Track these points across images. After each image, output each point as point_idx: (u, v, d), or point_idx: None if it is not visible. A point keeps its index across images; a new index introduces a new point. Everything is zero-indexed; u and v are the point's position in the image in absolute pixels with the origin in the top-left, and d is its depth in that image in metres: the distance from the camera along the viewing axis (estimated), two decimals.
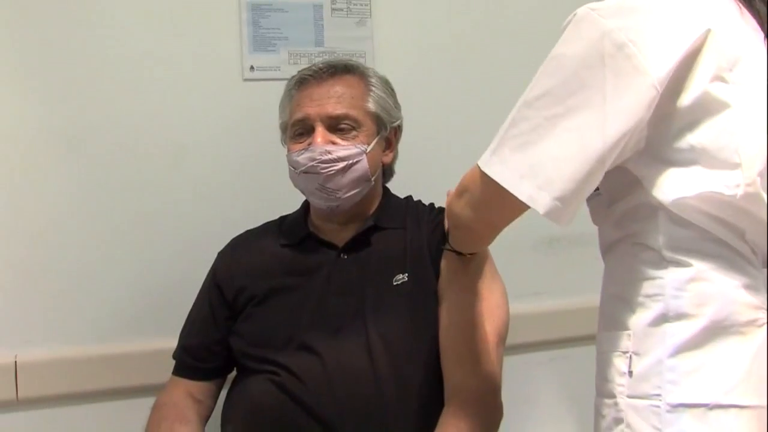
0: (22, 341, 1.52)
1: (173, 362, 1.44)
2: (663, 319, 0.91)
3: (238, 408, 1.34)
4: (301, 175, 1.35)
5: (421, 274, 1.33)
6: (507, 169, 0.93)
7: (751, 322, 0.88)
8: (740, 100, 0.88)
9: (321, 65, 1.41)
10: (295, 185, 1.40)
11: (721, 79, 0.88)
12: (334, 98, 1.37)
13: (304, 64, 1.65)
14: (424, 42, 1.76)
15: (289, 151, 1.38)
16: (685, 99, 0.88)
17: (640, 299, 0.93)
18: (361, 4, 1.71)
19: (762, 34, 0.94)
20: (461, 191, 1.04)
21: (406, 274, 1.34)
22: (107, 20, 1.58)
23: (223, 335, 1.39)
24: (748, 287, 0.89)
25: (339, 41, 1.69)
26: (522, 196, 0.92)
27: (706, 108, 0.88)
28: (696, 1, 0.93)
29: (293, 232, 1.43)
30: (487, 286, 1.32)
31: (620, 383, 0.93)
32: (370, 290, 1.33)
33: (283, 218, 1.49)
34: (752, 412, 0.86)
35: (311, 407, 1.26)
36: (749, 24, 0.94)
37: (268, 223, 1.49)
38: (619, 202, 0.97)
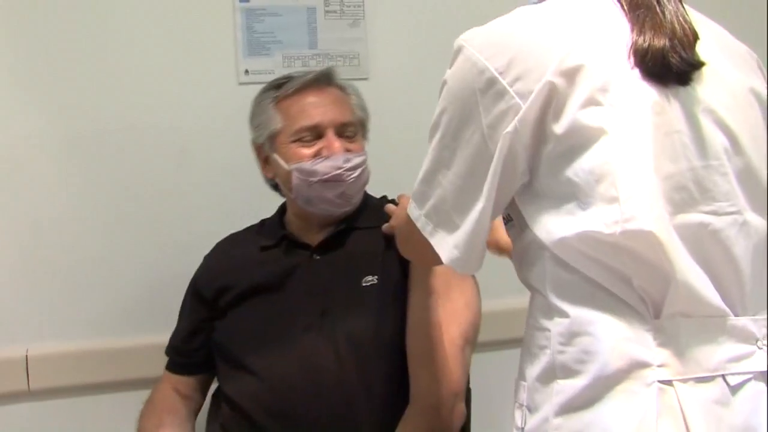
0: (33, 336, 1.61)
1: None
2: (551, 374, 0.85)
3: (217, 407, 1.40)
4: (320, 183, 1.35)
5: (391, 275, 1.35)
6: (422, 215, 0.92)
7: (639, 381, 0.80)
8: (616, 124, 0.80)
9: (308, 74, 1.42)
10: (301, 194, 1.37)
11: (595, 103, 0.81)
12: (337, 105, 1.40)
13: (298, 66, 1.68)
14: (417, 42, 1.76)
15: (294, 160, 1.36)
16: (557, 128, 0.82)
17: (535, 350, 0.88)
18: (355, 6, 1.73)
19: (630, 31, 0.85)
20: (398, 231, 1.04)
21: (376, 276, 1.35)
22: (106, 27, 1.63)
23: (204, 333, 1.45)
24: (635, 341, 0.81)
25: (332, 43, 1.71)
26: (435, 246, 0.91)
27: (579, 137, 0.81)
28: (564, 13, 0.87)
29: (271, 233, 1.47)
30: (456, 285, 1.31)
31: None
32: (339, 290, 1.35)
33: (263, 222, 1.53)
34: None
35: (278, 407, 1.30)
36: (623, 24, 0.86)
37: (249, 227, 1.53)
38: (516, 241, 0.93)
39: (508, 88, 0.83)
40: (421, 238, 0.94)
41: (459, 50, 0.89)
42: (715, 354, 0.82)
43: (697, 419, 0.79)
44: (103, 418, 1.64)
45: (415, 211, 0.94)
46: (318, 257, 1.41)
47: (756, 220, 0.86)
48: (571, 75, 0.82)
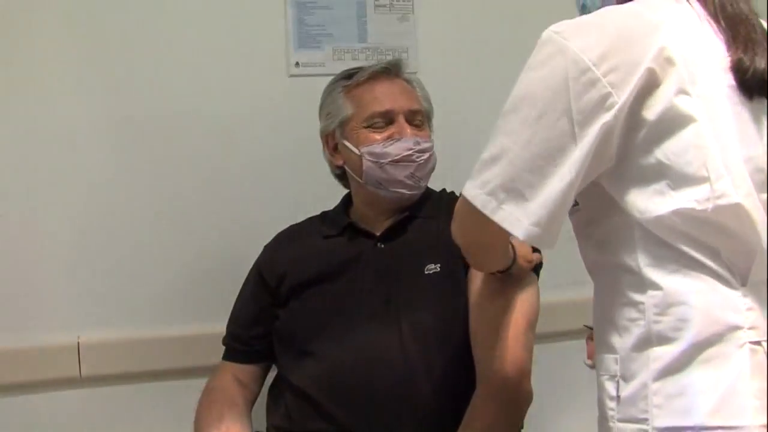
0: (85, 323, 1.62)
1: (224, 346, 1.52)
2: (646, 343, 0.91)
3: (280, 396, 1.41)
4: (391, 164, 1.39)
5: (451, 264, 1.36)
6: (484, 193, 0.94)
7: (732, 343, 0.88)
8: (705, 113, 0.89)
9: (379, 65, 1.47)
10: (372, 177, 1.40)
11: (685, 93, 0.88)
12: (406, 94, 1.45)
13: (347, 60, 1.70)
14: (466, 37, 1.78)
15: (365, 143, 1.40)
16: (650, 114, 0.89)
17: (625, 323, 0.93)
18: (404, 0, 1.74)
19: (721, 41, 0.93)
20: (454, 216, 1.05)
21: (438, 264, 1.38)
22: (161, 15, 1.66)
23: (267, 321, 1.46)
24: (726, 308, 0.89)
25: (382, 37, 1.73)
26: (502, 222, 0.93)
27: (671, 122, 0.89)
28: (654, 11, 0.93)
29: (335, 223, 1.49)
30: (517, 274, 1.33)
31: (611, 407, 0.93)
32: (403, 278, 1.38)
33: (324, 213, 1.55)
34: None
35: (344, 393, 1.32)
36: (708, 32, 0.94)
37: (311, 217, 1.55)
38: (598, 223, 0.97)
39: (601, 77, 0.88)
40: (479, 219, 0.95)
41: (548, 40, 0.93)
42: None
43: None
44: (154, 406, 1.65)
45: (474, 190, 0.96)
46: (382, 246, 1.43)
47: None
48: (666, 64, 0.89)
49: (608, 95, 0.88)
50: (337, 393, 1.32)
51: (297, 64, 1.70)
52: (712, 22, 0.94)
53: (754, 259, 0.89)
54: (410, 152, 1.39)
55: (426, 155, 1.41)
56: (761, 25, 0.95)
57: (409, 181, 1.40)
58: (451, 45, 1.78)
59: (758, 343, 0.88)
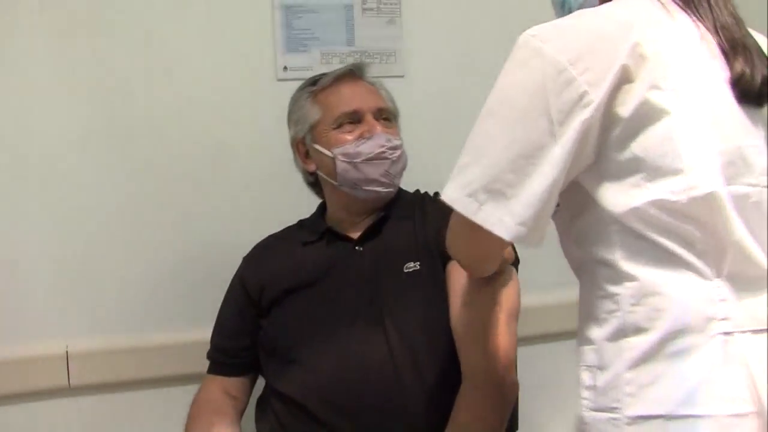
0: (73, 332, 1.61)
1: None
2: (621, 333, 0.92)
3: (269, 405, 1.41)
4: (365, 163, 1.39)
5: (430, 262, 1.37)
6: (464, 195, 0.94)
7: (705, 334, 0.89)
8: (678, 106, 0.90)
9: (342, 68, 1.48)
10: (347, 178, 1.41)
11: (657, 87, 0.90)
12: (372, 94, 1.46)
13: (335, 63, 1.70)
14: (454, 41, 1.78)
15: (337, 144, 1.41)
16: (625, 111, 0.90)
17: (603, 315, 0.95)
18: (392, 4, 1.74)
19: (696, 33, 0.95)
20: (448, 232, 1.06)
21: (418, 262, 1.38)
22: (147, 22, 1.64)
23: (251, 332, 1.46)
24: (700, 299, 0.90)
25: (369, 40, 1.73)
26: (484, 222, 0.93)
27: (645, 117, 0.90)
28: (628, 10, 0.95)
29: (313, 229, 1.49)
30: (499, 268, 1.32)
31: (585, 397, 0.95)
32: (384, 279, 1.38)
33: (301, 221, 1.55)
34: (710, 421, 0.87)
35: (332, 397, 1.32)
36: (679, 26, 0.95)
37: (288, 226, 1.55)
38: (577, 219, 0.99)
39: (577, 77, 0.90)
40: (471, 228, 0.94)
41: (524, 44, 0.94)
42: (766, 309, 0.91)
43: (758, 365, 0.88)
44: (143, 414, 1.64)
45: (453, 193, 0.95)
46: (360, 249, 1.43)
47: None
48: (639, 60, 0.90)
49: (585, 93, 0.89)
50: (326, 398, 1.32)
51: (285, 68, 1.70)
52: (698, 24, 0.96)
53: (727, 250, 0.91)
54: (383, 149, 1.40)
55: (398, 152, 1.42)
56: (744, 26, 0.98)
57: (384, 179, 1.41)
58: (439, 48, 1.78)
59: (731, 334, 0.89)
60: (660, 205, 0.90)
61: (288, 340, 1.39)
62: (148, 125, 1.65)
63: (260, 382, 1.51)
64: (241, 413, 1.49)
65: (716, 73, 0.94)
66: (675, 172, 0.90)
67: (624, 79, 0.90)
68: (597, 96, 0.89)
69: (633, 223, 0.92)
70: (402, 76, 1.74)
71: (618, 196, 0.92)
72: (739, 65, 0.94)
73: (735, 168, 0.92)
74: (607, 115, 0.91)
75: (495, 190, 0.92)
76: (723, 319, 0.90)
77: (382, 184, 1.41)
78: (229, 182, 1.69)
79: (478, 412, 1.27)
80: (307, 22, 1.70)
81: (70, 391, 1.59)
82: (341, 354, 1.33)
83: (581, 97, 0.89)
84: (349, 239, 1.44)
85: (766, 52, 0.97)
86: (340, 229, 1.46)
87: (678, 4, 0.97)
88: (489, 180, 0.92)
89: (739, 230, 0.91)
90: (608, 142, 0.92)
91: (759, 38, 1.00)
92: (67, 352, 1.59)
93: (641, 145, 0.90)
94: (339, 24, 1.72)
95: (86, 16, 1.61)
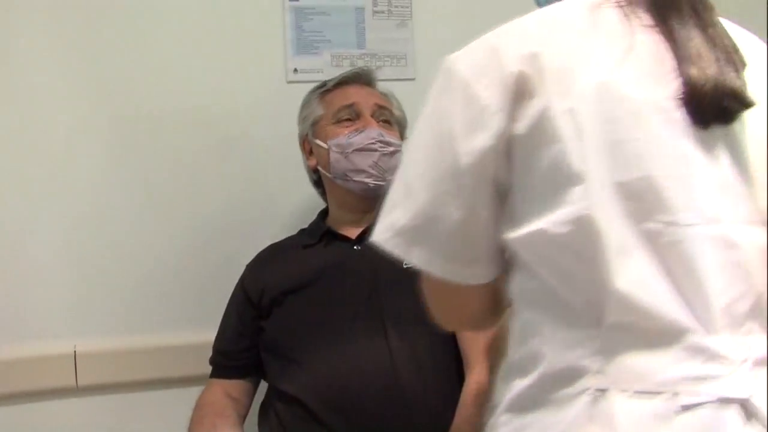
0: (82, 333, 1.61)
1: None
2: (509, 373, 0.85)
3: (271, 407, 1.42)
4: (354, 153, 1.43)
5: None
6: (391, 236, 0.87)
7: (576, 386, 0.78)
8: (572, 126, 0.79)
9: (351, 71, 1.54)
10: (338, 169, 1.45)
11: (552, 108, 0.79)
12: (375, 95, 1.51)
13: (346, 66, 1.69)
14: (464, 44, 1.75)
15: (333, 137, 1.46)
16: (521, 128, 0.80)
17: (508, 351, 0.88)
18: (402, 6, 1.74)
19: (651, 47, 0.82)
20: (426, 300, 0.98)
21: None
22: (157, 21, 1.65)
23: (253, 334, 1.47)
24: (576, 346, 0.79)
25: (380, 43, 1.73)
26: (418, 264, 0.87)
27: (539, 136, 0.80)
28: (552, 18, 0.87)
29: (313, 232, 1.52)
30: None
31: None
32: (383, 276, 1.39)
33: (303, 229, 1.57)
34: None
35: (334, 396, 1.33)
36: (614, 40, 0.83)
37: (290, 236, 1.57)
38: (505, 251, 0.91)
39: (481, 96, 0.82)
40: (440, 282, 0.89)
41: (441, 69, 0.88)
42: (666, 371, 0.77)
43: (627, 430, 0.76)
44: (151, 415, 1.64)
45: (381, 234, 0.88)
46: (358, 248, 1.45)
47: (747, 232, 0.81)
48: (538, 75, 0.80)
49: (488, 111, 0.81)
50: (326, 397, 1.33)
51: (295, 70, 1.70)
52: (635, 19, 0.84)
53: (608, 297, 0.78)
54: (373, 141, 1.43)
55: (390, 148, 1.44)
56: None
57: (372, 171, 1.43)
58: (449, 51, 1.74)
59: (605, 390, 0.77)
60: (542, 237, 0.80)
61: (288, 341, 1.41)
62: (156, 127, 1.65)
63: (262, 388, 1.52)
64: (244, 416, 1.50)
65: (651, 90, 0.80)
66: (560, 203, 0.78)
67: (522, 94, 0.80)
68: (499, 114, 0.80)
69: (523, 253, 0.83)
70: (413, 79, 1.74)
71: (515, 225, 0.83)
72: (695, 78, 0.79)
73: (640, 202, 0.78)
74: (510, 136, 0.81)
75: (417, 227, 0.85)
76: (597, 373, 0.78)
77: (371, 175, 1.43)
78: (238, 184, 1.69)
79: (483, 408, 1.27)
80: (318, 24, 1.70)
81: (77, 391, 1.60)
82: (341, 353, 1.35)
83: (485, 116, 0.81)
84: (348, 239, 1.47)
85: (765, 59, 0.85)
86: (339, 230, 1.49)
87: (652, 14, 0.84)
88: (411, 216, 0.85)
89: (627, 277, 0.77)
90: (509, 161, 0.82)
91: (755, 44, 0.88)
92: (75, 352, 1.59)
93: (533, 168, 0.80)
94: (349, 26, 1.71)
95: (94, 13, 1.62)
